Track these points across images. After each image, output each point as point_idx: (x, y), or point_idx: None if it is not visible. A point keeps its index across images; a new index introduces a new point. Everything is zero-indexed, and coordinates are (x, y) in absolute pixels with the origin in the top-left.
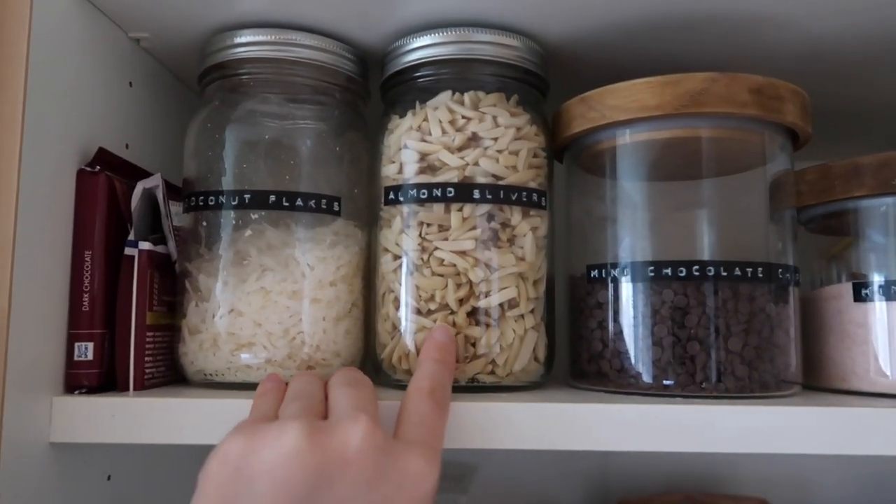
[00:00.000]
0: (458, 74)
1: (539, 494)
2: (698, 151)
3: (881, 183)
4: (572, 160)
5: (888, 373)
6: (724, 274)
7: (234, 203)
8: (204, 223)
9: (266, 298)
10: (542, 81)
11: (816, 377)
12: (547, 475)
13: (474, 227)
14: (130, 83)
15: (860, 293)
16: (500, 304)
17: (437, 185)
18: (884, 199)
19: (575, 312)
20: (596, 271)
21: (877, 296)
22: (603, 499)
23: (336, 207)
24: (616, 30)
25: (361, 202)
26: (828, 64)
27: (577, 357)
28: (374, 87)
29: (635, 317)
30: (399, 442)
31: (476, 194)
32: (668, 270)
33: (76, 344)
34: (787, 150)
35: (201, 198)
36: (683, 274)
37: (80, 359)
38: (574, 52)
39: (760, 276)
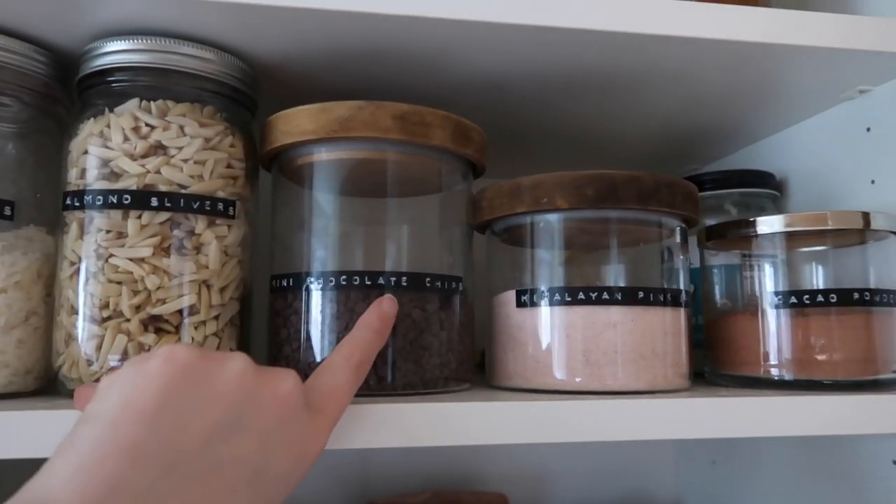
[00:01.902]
0: (153, 83)
1: (294, 495)
2: (377, 172)
3: (535, 201)
4: (275, 172)
5: (542, 371)
6: (368, 283)
7: None
8: None
9: None
10: (244, 96)
11: (494, 376)
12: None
13: (154, 235)
14: None
15: (520, 299)
16: (180, 311)
17: (113, 192)
18: (539, 216)
19: (269, 318)
20: (276, 281)
21: (532, 301)
22: (360, 500)
23: (8, 212)
24: (322, 54)
25: (51, 208)
26: (504, 94)
27: (270, 358)
28: None
29: (305, 323)
30: (311, 408)
31: (154, 202)
32: (332, 280)
33: None
34: (464, 174)
35: None
36: (333, 283)
37: None
38: (289, 72)
39: (404, 284)
